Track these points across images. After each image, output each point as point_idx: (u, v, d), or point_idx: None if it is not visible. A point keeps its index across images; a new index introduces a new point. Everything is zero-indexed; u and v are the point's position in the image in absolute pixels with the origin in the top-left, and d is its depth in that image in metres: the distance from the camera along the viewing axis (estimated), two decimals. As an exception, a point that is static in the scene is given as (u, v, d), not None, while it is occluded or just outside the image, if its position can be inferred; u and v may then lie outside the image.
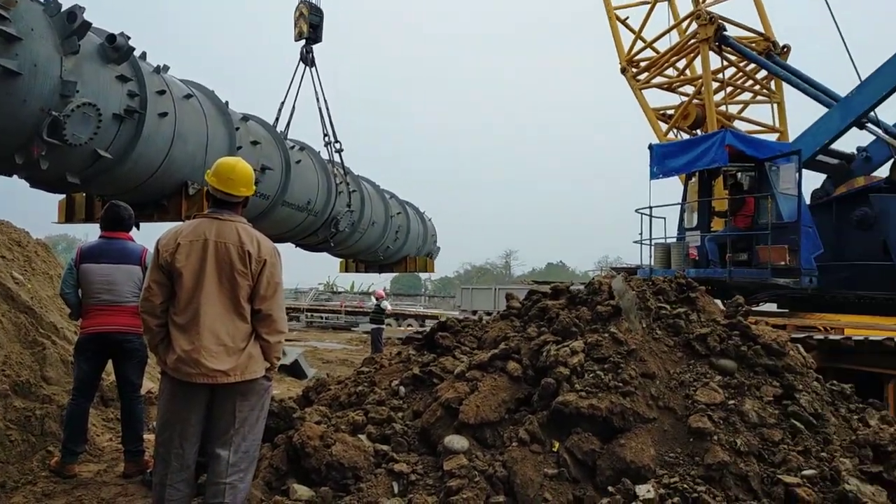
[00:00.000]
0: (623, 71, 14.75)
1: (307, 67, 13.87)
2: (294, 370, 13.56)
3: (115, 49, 7.82)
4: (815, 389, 4.45)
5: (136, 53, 8.42)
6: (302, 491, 3.93)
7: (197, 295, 3.45)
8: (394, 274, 25.09)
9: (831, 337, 7.52)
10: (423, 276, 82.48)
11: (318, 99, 13.99)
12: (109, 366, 5.39)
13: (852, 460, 3.89)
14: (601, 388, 4.12)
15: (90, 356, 5.14)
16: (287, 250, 15.12)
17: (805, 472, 3.69)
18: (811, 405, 4.22)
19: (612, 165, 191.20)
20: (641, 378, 4.24)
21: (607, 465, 3.84)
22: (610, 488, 3.70)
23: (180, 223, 3.68)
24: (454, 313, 31.16)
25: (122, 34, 7.89)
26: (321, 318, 38.20)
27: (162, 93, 8.59)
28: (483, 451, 4.09)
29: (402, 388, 4.92)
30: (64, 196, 9.86)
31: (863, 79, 10.76)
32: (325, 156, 14.05)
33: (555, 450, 3.98)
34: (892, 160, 10.46)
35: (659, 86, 14.73)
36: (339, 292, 57.91)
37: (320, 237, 14.06)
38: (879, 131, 10.85)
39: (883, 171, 10.96)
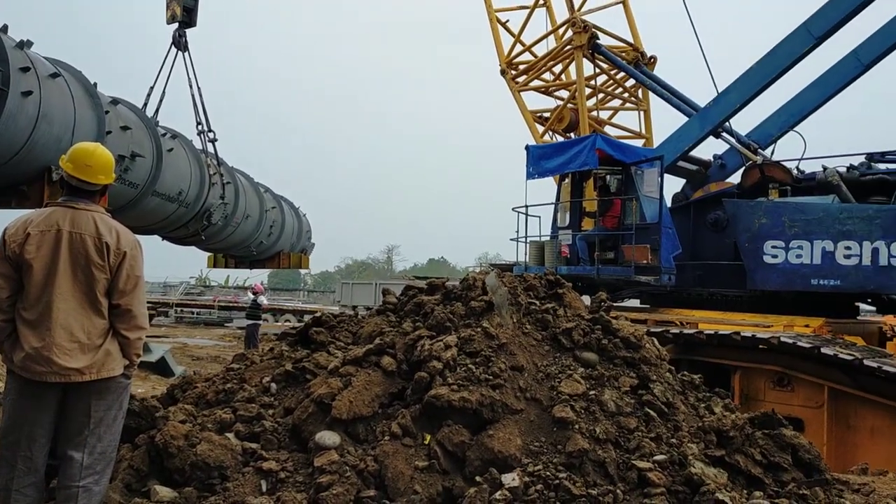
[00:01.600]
0: (502, 72, 15.16)
1: (179, 52, 13.27)
2: (160, 368, 12.97)
3: None
4: (668, 380, 4.79)
5: (-2, 27, 7.76)
6: (164, 492, 3.79)
7: (49, 289, 3.24)
8: (267, 270, 24.61)
9: (685, 331, 8.10)
10: (302, 270, 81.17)
11: (191, 86, 13.45)
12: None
13: (698, 445, 4.22)
14: (472, 381, 4.24)
15: None
16: (154, 243, 14.45)
17: (656, 458, 3.97)
18: (664, 395, 4.54)
19: (495, 164, 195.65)
20: (511, 371, 4.40)
21: (476, 455, 3.95)
22: (478, 478, 3.81)
23: (30, 211, 3.43)
24: (333, 308, 30.82)
25: None
26: (192, 313, 36.70)
27: (26, 70, 7.95)
28: (355, 446, 4.10)
29: (273, 385, 4.82)
30: None
31: (719, 91, 11.65)
32: (198, 145, 13.54)
33: (426, 443, 4.06)
34: (743, 168, 11.39)
35: (536, 89, 15.26)
36: (212, 287, 55.86)
37: (191, 230, 13.56)
38: (733, 140, 11.78)
39: (736, 178, 11.92)
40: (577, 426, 4.08)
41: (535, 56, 15.13)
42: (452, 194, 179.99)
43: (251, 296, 18.22)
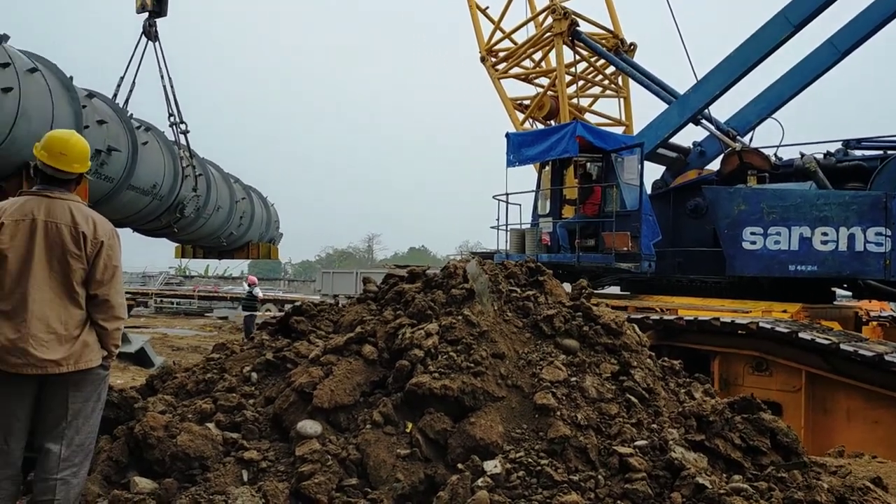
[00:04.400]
0: (483, 60, 15.12)
1: (150, 42, 13.07)
2: (139, 358, 12.85)
3: None
4: (648, 366, 4.83)
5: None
6: (144, 483, 3.76)
7: (24, 279, 3.18)
8: (247, 260, 24.49)
9: (666, 318, 8.18)
10: (283, 259, 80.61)
11: (162, 76, 13.27)
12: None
13: (679, 430, 4.26)
14: (454, 368, 4.24)
15: None
16: (130, 232, 14.30)
17: (637, 443, 4.00)
18: (644, 380, 4.57)
19: (475, 154, 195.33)
20: (492, 358, 4.41)
21: (458, 443, 3.96)
22: (460, 465, 3.82)
23: (3, 201, 3.36)
24: (314, 298, 30.74)
25: None
26: (172, 303, 36.41)
27: (6, 66, 7.78)
28: (337, 434, 4.09)
29: (254, 374, 4.80)
30: None
31: (699, 79, 11.71)
32: (170, 137, 13.40)
33: (408, 431, 4.06)
34: (722, 154, 11.48)
35: (516, 76, 15.24)
36: (192, 276, 55.42)
37: (163, 222, 13.49)
38: (712, 127, 11.86)
39: (715, 165, 12.01)
40: (558, 413, 4.10)
41: (515, 43, 15.11)
42: (433, 184, 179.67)
43: (247, 287, 18.11)
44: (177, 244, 17.87)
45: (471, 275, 4.97)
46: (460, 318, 4.63)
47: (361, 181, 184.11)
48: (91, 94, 10.61)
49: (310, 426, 4.04)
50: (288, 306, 24.43)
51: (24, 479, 3.54)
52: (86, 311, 3.36)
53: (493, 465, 3.78)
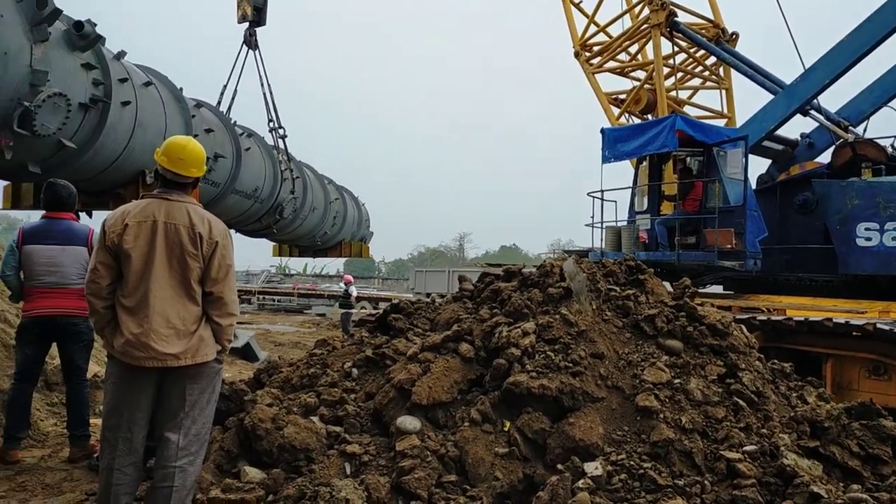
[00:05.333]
0: (576, 55, 14.86)
1: (250, 51, 13.60)
2: (245, 353, 13.43)
3: (82, 37, 7.52)
4: (757, 368, 4.62)
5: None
6: (253, 473, 3.93)
7: (146, 277, 3.38)
8: (331, 259, 25.16)
9: (773, 318, 7.78)
10: (376, 258, 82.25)
11: (262, 84, 13.74)
12: (54, 349, 5.26)
13: (791, 436, 4.06)
14: (551, 368, 4.20)
15: (33, 340, 5.00)
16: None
17: (746, 448, 3.84)
18: (753, 383, 4.38)
19: (566, 150, 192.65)
20: (591, 358, 4.34)
21: (557, 443, 3.93)
22: (559, 466, 3.79)
23: (127, 204, 3.58)
24: (408, 296, 31.16)
25: (88, 21, 7.59)
26: (273, 300, 37.79)
27: (124, 81, 8.31)
28: (435, 431, 4.14)
29: (354, 370, 4.93)
30: (9, 183, 9.44)
31: (807, 67, 11.08)
32: (269, 142, 13.90)
33: (506, 429, 4.06)
34: (833, 146, 10.82)
35: (611, 70, 14.89)
36: (292, 275, 57.34)
37: (264, 224, 14.01)
38: (822, 118, 11.19)
39: (825, 157, 11.33)
40: (661, 415, 3.99)
41: (610, 37, 14.76)
42: (524, 181, 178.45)
43: (343, 286, 18.64)
44: (274, 243, 18.53)
45: (568, 273, 4.90)
46: (558, 317, 4.58)
47: (452, 179, 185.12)
48: (199, 104, 11.15)
49: (409, 422, 4.10)
50: (382, 304, 24.89)
51: (144, 466, 3.77)
52: (202, 308, 3.54)
53: (593, 467, 3.71)
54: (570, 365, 4.22)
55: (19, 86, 6.65)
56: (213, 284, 3.52)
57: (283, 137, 14.03)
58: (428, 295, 24.09)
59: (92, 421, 5.63)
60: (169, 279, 3.44)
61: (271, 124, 13.96)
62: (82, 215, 9.87)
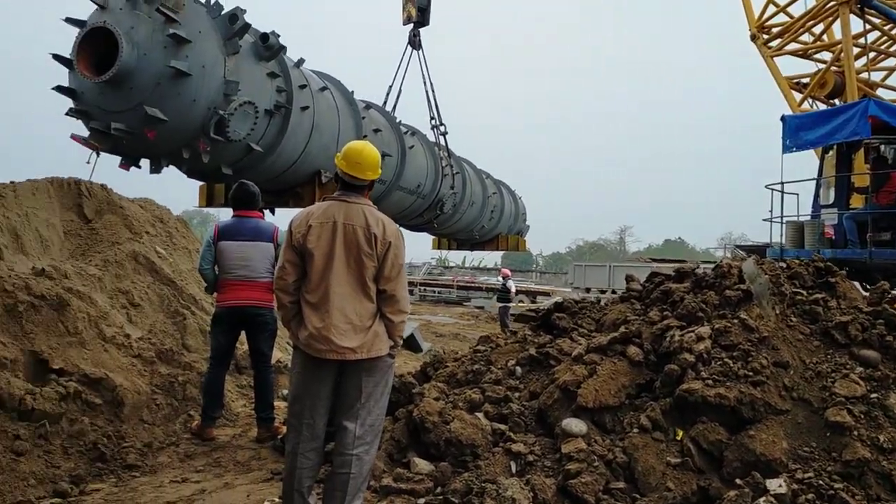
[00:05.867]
0: (753, 38, 13.91)
1: (414, 50, 14.00)
2: (409, 343, 13.90)
3: (267, 48, 8.14)
4: (973, 386, 4.08)
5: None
6: (422, 465, 4.05)
7: (327, 275, 3.59)
8: (488, 252, 25.26)
9: None
10: (533, 251, 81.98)
11: (425, 82, 14.15)
12: (243, 336, 5.72)
13: None
14: (729, 376, 3.96)
15: (226, 328, 5.46)
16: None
17: (958, 475, 3.41)
18: (968, 403, 3.87)
19: (738, 137, 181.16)
20: (773, 367, 4.04)
21: (735, 456, 3.70)
22: (738, 481, 3.57)
23: (311, 205, 3.82)
24: (566, 290, 30.71)
25: (272, 32, 8.19)
26: (434, 292, 38.85)
27: (303, 87, 8.91)
28: (602, 435, 4.05)
29: (518, 369, 4.93)
30: (203, 182, 10.45)
31: None
32: (431, 138, 14.26)
33: (678, 438, 3.88)
34: None
35: (793, 53, 13.80)
36: (451, 267, 58.60)
37: (426, 218, 14.43)
38: None
39: None
40: (855, 432, 3.64)
41: (791, 17, 13.67)
42: (689, 170, 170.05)
43: (501, 279, 18.80)
44: (434, 236, 19.03)
45: (748, 275, 4.59)
46: (736, 321, 4.31)
47: (612, 170, 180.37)
48: (368, 106, 11.70)
49: (575, 425, 4.04)
50: (540, 298, 24.65)
51: (324, 451, 4.00)
52: (375, 305, 3.70)
53: (776, 484, 3.46)
54: (751, 373, 3.96)
55: (215, 96, 7.31)
56: (387, 282, 3.67)
57: (444, 134, 14.39)
58: (588, 290, 23.70)
59: (276, 404, 6.08)
60: (347, 277, 3.62)
61: (433, 122, 14.35)
62: (265, 212, 10.73)
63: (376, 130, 11.12)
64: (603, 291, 22.96)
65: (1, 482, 4.08)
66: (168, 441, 5.23)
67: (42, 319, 5.15)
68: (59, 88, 7.32)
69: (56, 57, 7.17)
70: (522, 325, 6.62)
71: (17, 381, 4.60)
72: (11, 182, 8.08)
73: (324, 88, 9.71)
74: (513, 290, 18.87)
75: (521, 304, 27.13)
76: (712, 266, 5.00)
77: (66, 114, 7.38)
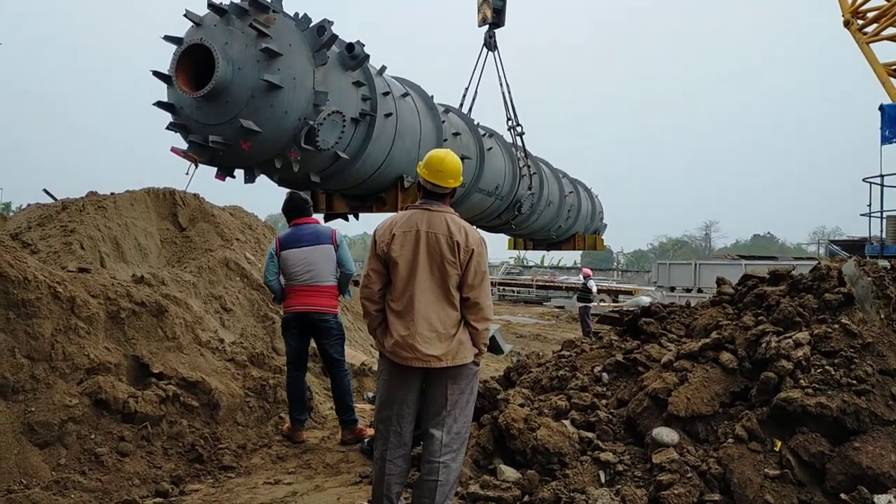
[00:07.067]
0: (846, 24, 13.16)
1: (489, 52, 13.93)
2: (491, 345, 13.90)
3: (353, 57, 8.30)
4: None
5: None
6: (509, 472, 4.02)
7: (411, 283, 3.61)
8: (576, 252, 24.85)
9: None
10: (614, 249, 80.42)
11: (501, 83, 14.04)
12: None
13: None
14: (831, 385, 3.76)
15: (295, 333, 5.60)
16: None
17: None
18: None
19: (829, 127, 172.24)
20: (880, 375, 3.80)
21: (839, 469, 3.50)
22: (843, 495, 3.38)
23: (394, 214, 3.86)
24: (650, 289, 29.94)
25: (358, 42, 8.34)
26: (513, 291, 38.72)
27: (386, 94, 9.00)
28: (695, 445, 3.91)
29: (605, 375, 4.84)
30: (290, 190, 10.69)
31: None
32: (508, 139, 14.17)
33: (776, 449, 3.71)
34: None
35: (891, 38, 12.96)
36: (530, 266, 58.22)
37: (504, 219, 14.36)
38: None
39: None
40: (973, 446, 3.38)
41: (889, 0, 12.85)
42: (778, 163, 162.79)
43: (582, 279, 18.58)
44: (510, 237, 18.95)
45: (849, 277, 4.34)
46: (837, 326, 4.08)
47: (696, 163, 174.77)
48: (447, 109, 11.72)
49: (666, 434, 3.92)
50: (622, 297, 24.11)
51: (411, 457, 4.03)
52: (459, 313, 3.69)
53: (886, 500, 3.27)
54: (854, 382, 3.74)
55: (305, 106, 7.48)
56: (470, 290, 3.66)
57: (521, 135, 14.25)
58: (672, 289, 23.04)
59: (359, 406, 6.18)
60: (431, 285, 3.63)
61: (510, 122, 14.24)
62: (350, 217, 10.91)
63: (455, 134, 11.14)
64: (688, 290, 22.27)
65: (108, 482, 4.30)
66: (261, 443, 5.40)
67: (142, 325, 5.40)
68: (159, 104, 7.65)
69: (156, 73, 7.50)
70: (607, 329, 6.49)
71: (120, 385, 4.84)
72: (112, 193, 8.56)
73: (405, 94, 9.80)
74: (594, 290, 18.57)
75: (602, 304, 26.68)
76: (808, 263, 4.74)
77: (167, 128, 7.71)
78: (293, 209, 5.75)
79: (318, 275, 5.52)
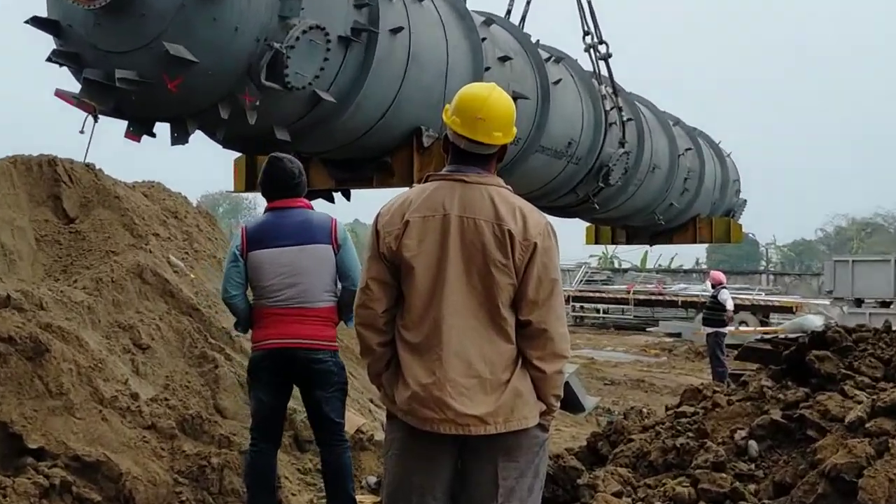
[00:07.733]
0: None
1: None
2: (566, 398, 13.82)
3: None
4: None
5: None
6: None
7: (437, 300, 3.56)
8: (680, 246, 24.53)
9: None
10: (759, 240, 79.78)
11: None
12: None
13: None
14: None
15: (267, 381, 5.51)
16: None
17: None
18: None
19: None
20: None
21: None
22: None
23: (407, 189, 3.84)
24: (822, 303, 29.64)
25: None
26: (596, 311, 38.63)
27: None
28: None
29: (753, 444, 4.87)
30: (241, 155, 10.46)
31: None
32: (586, 66, 13.95)
33: None
34: None
35: None
36: (624, 270, 57.98)
37: (580, 195, 14.04)
38: None
39: None
40: None
41: None
42: None
43: (709, 288, 18.11)
44: (590, 224, 18.67)
45: None
46: None
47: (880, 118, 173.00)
48: (489, 20, 11.56)
49: (856, 540, 3.90)
50: (775, 318, 23.69)
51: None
52: (515, 346, 3.65)
53: None
54: None
55: (266, 20, 7.40)
56: (532, 310, 3.60)
57: (607, 58, 14.07)
58: (859, 303, 22.80)
59: (360, 499, 6.20)
60: (468, 302, 3.58)
61: (588, 39, 14.09)
62: (337, 197, 10.74)
63: (503, 59, 10.95)
64: (886, 304, 22.04)
65: None
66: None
67: (10, 374, 5.44)
68: (34, 21, 7.62)
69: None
70: (753, 368, 6.45)
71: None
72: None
73: (421, -3, 9.66)
74: (729, 305, 18.31)
75: (744, 328, 26.51)
76: None
77: (48, 59, 7.70)
78: (271, 183, 5.67)
79: (309, 290, 5.46)
